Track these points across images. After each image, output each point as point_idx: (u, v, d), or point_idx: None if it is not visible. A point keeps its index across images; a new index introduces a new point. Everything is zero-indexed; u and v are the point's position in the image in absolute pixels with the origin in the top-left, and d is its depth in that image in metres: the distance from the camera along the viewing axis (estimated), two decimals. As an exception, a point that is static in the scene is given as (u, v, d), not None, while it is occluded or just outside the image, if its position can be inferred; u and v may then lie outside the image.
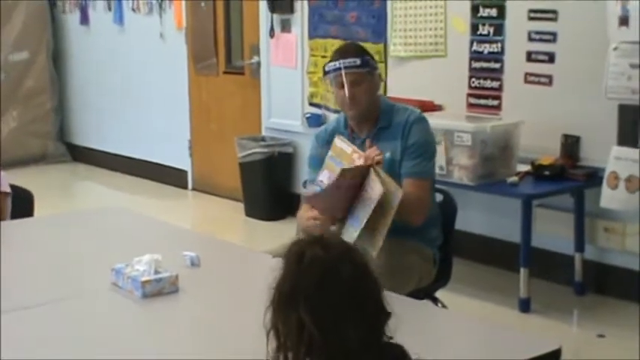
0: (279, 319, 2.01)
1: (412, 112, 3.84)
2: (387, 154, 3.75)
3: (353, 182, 3.58)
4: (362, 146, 3.77)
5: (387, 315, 2.04)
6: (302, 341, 1.97)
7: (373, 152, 3.61)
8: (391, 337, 2.05)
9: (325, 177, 3.72)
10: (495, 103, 5.79)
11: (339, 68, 3.77)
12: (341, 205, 3.60)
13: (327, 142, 3.89)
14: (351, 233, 3.50)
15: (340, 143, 3.74)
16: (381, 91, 6.39)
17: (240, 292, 3.19)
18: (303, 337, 1.96)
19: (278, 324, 2.01)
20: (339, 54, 3.84)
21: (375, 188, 3.49)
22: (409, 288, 3.66)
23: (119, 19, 9.03)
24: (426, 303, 3.74)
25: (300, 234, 3.72)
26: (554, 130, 5.42)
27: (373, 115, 3.83)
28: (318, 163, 3.88)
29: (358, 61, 3.77)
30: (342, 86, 3.77)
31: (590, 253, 5.46)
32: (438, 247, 3.91)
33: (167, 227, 4.31)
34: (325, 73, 3.87)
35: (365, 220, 3.48)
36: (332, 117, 3.95)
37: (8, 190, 4.42)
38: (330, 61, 3.85)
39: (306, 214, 3.69)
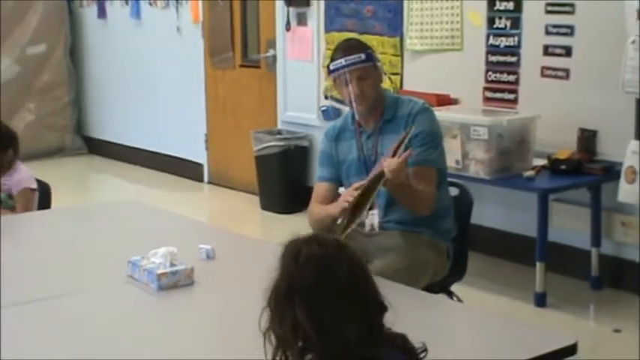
0: (276, 319, 2.04)
1: (416, 103, 3.83)
2: None
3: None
4: (368, 140, 3.81)
5: (383, 308, 2.06)
6: (297, 339, 2.00)
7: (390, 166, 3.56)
8: (389, 328, 2.07)
9: None
10: (512, 96, 5.77)
11: (345, 66, 3.76)
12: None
13: (335, 139, 3.90)
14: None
15: None
16: (393, 85, 6.41)
17: (255, 285, 3.17)
18: (298, 335, 1.99)
19: (275, 324, 2.04)
20: (342, 51, 3.82)
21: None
22: (424, 282, 3.66)
23: (136, 13, 9.05)
24: (442, 297, 3.75)
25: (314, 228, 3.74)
26: (571, 124, 5.40)
27: (378, 108, 3.83)
28: (327, 159, 3.90)
29: (363, 56, 3.78)
30: (347, 84, 3.77)
31: (606, 248, 5.44)
32: (451, 239, 3.90)
33: (183, 220, 4.31)
34: (330, 72, 3.86)
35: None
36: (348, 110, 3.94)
37: (34, 186, 4.47)
38: (333, 59, 3.83)
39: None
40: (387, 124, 3.81)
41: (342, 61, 3.77)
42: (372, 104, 3.80)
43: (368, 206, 3.53)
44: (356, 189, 3.56)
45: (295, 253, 2.04)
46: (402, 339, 2.08)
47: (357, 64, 3.75)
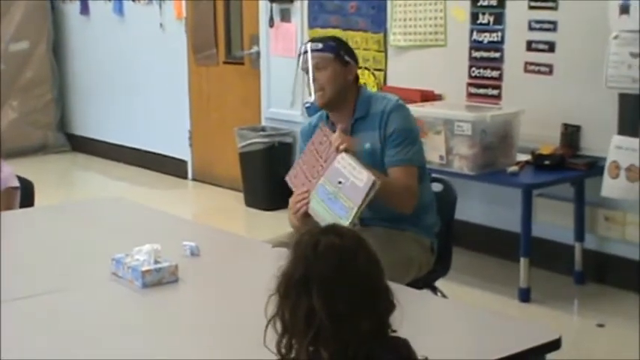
0: (287, 306, 2.00)
1: (389, 100, 3.82)
2: (367, 145, 3.76)
3: (321, 150, 3.65)
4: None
5: (393, 306, 2.04)
6: (310, 328, 1.96)
7: (336, 141, 3.61)
8: (395, 331, 2.06)
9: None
10: (495, 92, 5.78)
11: (303, 52, 3.89)
12: (310, 177, 3.65)
13: (310, 136, 3.90)
14: (329, 216, 3.47)
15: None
16: (377, 80, 6.41)
17: (239, 281, 3.19)
18: (313, 324, 1.96)
19: (285, 311, 2.01)
20: (310, 40, 3.98)
21: (359, 176, 3.47)
22: (409, 278, 3.67)
23: (119, 9, 9.03)
24: (426, 292, 3.75)
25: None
26: (555, 120, 5.42)
27: (349, 105, 3.83)
28: None
29: (320, 45, 3.85)
30: (307, 71, 3.86)
31: (590, 243, 5.46)
32: (435, 234, 3.90)
33: (167, 217, 4.30)
34: (298, 56, 3.97)
35: (356, 209, 3.44)
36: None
37: (16, 184, 4.45)
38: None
39: (293, 200, 3.69)
40: (360, 121, 3.81)
41: (302, 47, 3.93)
42: (333, 98, 3.81)
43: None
44: (303, 193, 3.58)
45: (314, 243, 2.01)
46: (407, 348, 2.06)
47: (312, 52, 3.84)
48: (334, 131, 3.79)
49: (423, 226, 3.84)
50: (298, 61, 3.96)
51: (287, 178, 3.81)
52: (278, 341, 2.02)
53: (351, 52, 3.95)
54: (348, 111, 3.83)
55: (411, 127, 3.82)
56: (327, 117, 3.90)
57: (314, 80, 3.81)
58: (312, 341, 1.97)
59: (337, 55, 3.84)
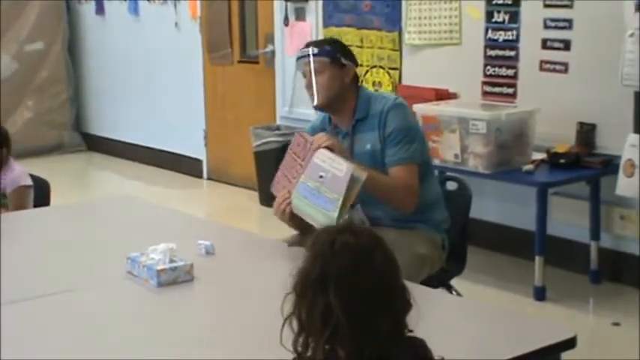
0: (304, 305, 2.00)
1: (388, 99, 3.81)
2: (368, 146, 3.74)
3: (298, 151, 3.64)
4: (344, 140, 3.79)
5: (410, 306, 2.04)
6: (327, 327, 1.96)
7: (320, 139, 3.59)
8: (411, 330, 2.05)
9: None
10: (510, 91, 5.77)
11: (299, 57, 3.90)
12: (290, 177, 3.63)
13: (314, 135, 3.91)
14: (329, 216, 3.39)
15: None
16: (392, 79, 6.40)
17: (254, 280, 3.19)
18: (330, 323, 1.96)
19: (301, 310, 2.01)
20: (306, 44, 3.94)
21: (339, 167, 3.43)
22: (422, 276, 3.67)
23: (134, 9, 9.05)
24: (441, 291, 3.75)
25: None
26: (570, 118, 5.40)
27: (349, 107, 3.82)
28: None
29: (316, 50, 3.83)
30: (304, 74, 3.87)
31: (605, 241, 5.45)
32: (445, 230, 3.89)
33: (182, 216, 4.32)
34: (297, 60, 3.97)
35: (341, 199, 3.36)
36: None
37: (29, 182, 4.46)
38: None
39: (276, 203, 3.66)
40: (360, 122, 3.80)
41: (299, 53, 3.92)
42: (330, 101, 3.81)
43: (347, 209, 3.46)
44: (284, 195, 3.57)
45: (331, 241, 2.01)
46: (423, 348, 2.06)
47: (306, 57, 3.84)
48: (337, 133, 3.81)
49: (432, 223, 3.83)
50: (296, 65, 3.99)
51: (271, 189, 3.75)
52: (294, 340, 2.02)
53: (348, 54, 3.92)
54: (349, 112, 3.82)
55: (410, 125, 3.79)
56: (330, 119, 3.90)
57: (312, 84, 3.80)
58: (329, 340, 1.97)
59: (334, 58, 3.82)
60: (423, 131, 5.42)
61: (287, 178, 3.65)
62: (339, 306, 1.95)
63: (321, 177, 3.45)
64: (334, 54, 3.83)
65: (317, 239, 2.05)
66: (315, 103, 3.84)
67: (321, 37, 7.02)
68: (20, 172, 4.48)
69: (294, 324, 2.03)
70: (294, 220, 3.57)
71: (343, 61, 3.84)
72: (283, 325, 2.04)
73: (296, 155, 3.66)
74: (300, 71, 3.95)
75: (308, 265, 2.02)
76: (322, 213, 3.40)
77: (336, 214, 3.36)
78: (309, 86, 3.82)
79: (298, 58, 3.91)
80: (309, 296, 2.00)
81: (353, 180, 3.38)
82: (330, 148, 3.52)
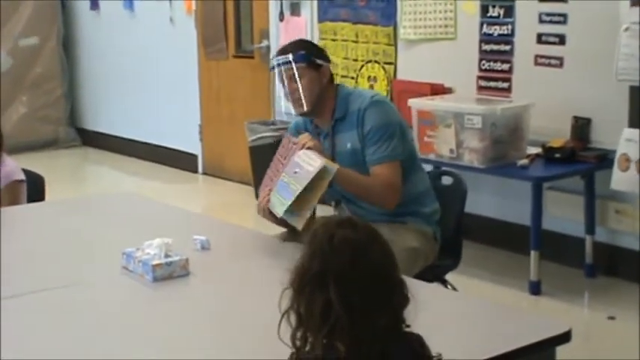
0: (302, 300, 2.00)
1: (365, 97, 3.77)
2: (348, 145, 3.73)
3: (284, 153, 3.65)
4: (325, 140, 3.77)
5: (407, 300, 2.04)
6: (326, 322, 1.96)
7: (305, 139, 3.58)
8: (409, 325, 2.06)
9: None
10: (505, 85, 5.77)
11: (274, 66, 3.81)
12: (275, 174, 3.64)
13: (297, 135, 3.86)
14: (279, 205, 3.44)
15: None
16: (387, 74, 6.41)
17: (250, 275, 3.20)
18: (329, 319, 1.96)
19: (300, 305, 2.00)
20: (279, 51, 3.85)
21: (313, 163, 3.43)
22: (416, 269, 3.68)
23: (129, 4, 9.04)
24: (436, 286, 3.75)
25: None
26: (565, 113, 5.41)
27: (329, 107, 3.79)
28: None
29: (290, 57, 3.75)
30: (283, 82, 3.80)
31: (600, 236, 5.46)
32: (436, 222, 3.88)
33: (177, 211, 4.32)
34: (271, 70, 3.92)
35: (299, 190, 3.38)
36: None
37: (22, 177, 4.45)
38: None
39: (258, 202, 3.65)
40: (340, 122, 3.78)
41: (273, 61, 3.83)
42: (314, 105, 3.77)
43: (316, 201, 3.46)
44: (265, 193, 3.56)
45: (329, 236, 2.00)
46: (420, 343, 2.06)
47: (281, 65, 3.77)
48: (318, 133, 3.81)
49: (422, 215, 3.82)
50: (271, 74, 3.94)
51: (259, 191, 3.75)
52: (293, 334, 2.02)
53: (321, 53, 3.88)
54: (329, 112, 3.80)
55: (388, 121, 3.74)
56: (311, 120, 3.88)
57: (293, 92, 3.75)
58: (328, 335, 1.97)
59: (309, 61, 3.77)
60: (418, 126, 5.48)
61: (271, 179, 3.64)
62: (338, 301, 1.95)
63: (295, 172, 3.46)
64: (309, 57, 3.79)
65: (315, 234, 2.04)
66: (300, 110, 3.79)
67: (316, 32, 7.03)
68: (13, 166, 4.46)
69: (293, 319, 2.02)
70: (273, 216, 3.56)
71: (318, 62, 3.81)
72: (281, 320, 2.04)
73: (281, 157, 3.66)
74: (278, 80, 3.86)
75: (306, 261, 2.02)
76: (281, 202, 3.43)
77: (288, 203, 3.38)
78: (292, 92, 3.76)
79: (273, 68, 3.84)
80: (308, 292, 1.99)
81: (322, 172, 3.38)
82: (312, 149, 3.52)
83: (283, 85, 3.81)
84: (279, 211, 3.43)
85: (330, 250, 2.00)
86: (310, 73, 3.77)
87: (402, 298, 2.03)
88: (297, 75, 3.75)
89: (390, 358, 1.99)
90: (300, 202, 3.40)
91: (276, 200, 3.49)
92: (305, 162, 3.46)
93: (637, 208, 5.23)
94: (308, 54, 3.80)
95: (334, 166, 3.44)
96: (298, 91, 3.75)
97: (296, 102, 3.78)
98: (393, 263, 2.06)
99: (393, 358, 2.00)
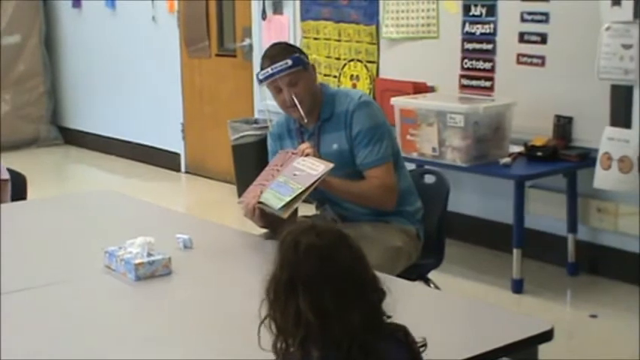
0: (278, 309, 2.03)
1: (352, 98, 3.75)
2: (335, 146, 3.72)
3: (278, 162, 3.65)
4: (310, 140, 3.76)
5: (383, 294, 2.06)
6: (299, 329, 1.99)
7: (304, 146, 3.59)
8: (390, 317, 2.07)
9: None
10: (488, 84, 5.78)
11: (272, 74, 3.70)
12: (267, 179, 3.62)
13: (279, 138, 3.89)
14: (274, 199, 3.44)
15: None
16: (369, 73, 6.41)
17: (233, 274, 3.19)
18: (301, 325, 1.98)
19: (276, 313, 2.03)
20: (269, 59, 3.73)
21: (316, 167, 3.46)
22: (400, 268, 3.68)
23: (111, 2, 9.01)
24: (419, 284, 3.76)
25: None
26: (547, 111, 5.42)
27: (316, 107, 3.77)
28: None
29: (289, 62, 3.69)
30: (280, 90, 3.72)
31: (583, 234, 5.47)
32: (419, 220, 3.89)
33: (160, 210, 4.31)
34: (260, 81, 3.78)
35: (302, 189, 3.40)
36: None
37: (7, 176, 4.44)
38: (262, 68, 3.75)
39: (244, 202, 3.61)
40: (326, 122, 3.76)
41: (269, 70, 3.71)
42: (310, 107, 3.74)
43: (300, 200, 3.45)
44: (257, 192, 3.54)
45: (294, 244, 2.03)
46: (404, 332, 2.08)
47: (283, 71, 3.68)
48: (302, 132, 3.80)
49: (405, 214, 3.83)
50: (260, 83, 3.80)
51: (240, 200, 3.70)
52: (274, 343, 2.05)
53: (305, 54, 3.86)
54: (315, 113, 3.77)
55: (377, 123, 3.75)
56: (294, 119, 3.84)
57: (292, 98, 3.68)
58: (302, 341, 2.00)
59: (304, 64, 3.74)
60: (401, 125, 5.48)
61: (260, 186, 3.61)
62: (308, 308, 1.98)
63: (295, 175, 3.48)
64: (302, 59, 3.76)
65: (282, 242, 2.07)
66: (300, 115, 3.72)
67: (299, 30, 7.02)
68: None
69: (272, 327, 2.04)
70: (263, 218, 3.54)
71: (309, 64, 3.80)
72: (259, 330, 2.06)
73: (275, 166, 3.64)
74: (272, 89, 3.76)
75: (277, 269, 2.05)
76: (276, 197, 3.44)
77: (287, 199, 3.39)
78: (297, 97, 3.68)
79: (266, 78, 3.73)
80: (282, 300, 2.02)
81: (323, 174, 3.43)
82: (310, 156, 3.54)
83: (279, 92, 3.73)
84: (275, 204, 3.41)
85: (295, 258, 2.02)
86: (306, 77, 3.74)
87: (377, 293, 2.05)
88: (297, 79, 3.69)
89: (375, 351, 2.01)
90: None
91: (270, 195, 3.48)
92: (306, 167, 3.49)
93: (618, 206, 5.25)
94: (300, 57, 3.77)
95: (328, 165, 3.47)
96: (300, 95, 3.69)
97: (297, 107, 3.69)
98: (363, 262, 2.07)
99: (378, 351, 2.01)
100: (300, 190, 3.41)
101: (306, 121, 3.75)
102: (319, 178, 3.44)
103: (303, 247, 2.02)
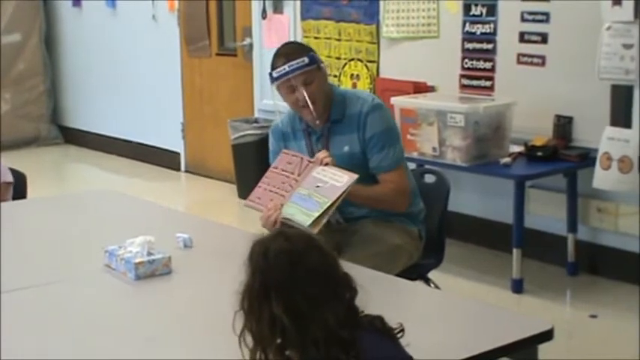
0: (253, 319, 2.05)
1: (365, 101, 3.72)
2: (346, 148, 3.70)
3: (290, 168, 3.58)
4: (318, 142, 3.74)
5: (355, 291, 2.08)
6: (275, 334, 2.01)
7: (322, 154, 3.55)
8: (363, 311, 2.09)
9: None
10: (488, 84, 5.78)
11: (290, 72, 3.63)
12: (282, 192, 3.57)
13: (283, 139, 3.84)
14: (302, 215, 3.40)
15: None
16: (370, 72, 6.41)
17: (232, 273, 3.18)
18: (276, 330, 2.01)
19: (252, 324, 2.05)
20: (285, 57, 3.66)
21: (339, 179, 3.43)
22: (400, 267, 3.68)
23: (111, 1, 9.01)
24: (419, 284, 3.75)
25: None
26: (547, 111, 5.42)
27: (326, 108, 3.72)
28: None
29: (306, 60, 3.64)
30: (293, 90, 3.66)
31: (582, 234, 5.47)
32: (421, 221, 3.89)
33: (160, 209, 4.31)
34: (274, 79, 3.69)
35: (329, 203, 3.37)
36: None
37: (10, 179, 4.44)
38: (275, 66, 3.68)
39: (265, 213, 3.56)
40: (336, 124, 3.73)
41: (285, 68, 3.64)
42: (322, 107, 3.69)
43: (329, 214, 3.43)
44: (274, 204, 3.50)
45: (264, 251, 2.06)
46: (380, 321, 2.11)
47: (301, 69, 3.63)
48: (310, 133, 3.76)
49: (408, 214, 3.82)
50: (273, 82, 3.70)
51: (247, 203, 3.68)
52: (252, 354, 2.06)
53: (318, 56, 3.80)
54: (325, 113, 3.73)
55: (390, 126, 3.75)
56: (301, 119, 3.79)
57: (307, 97, 3.62)
58: (281, 346, 2.02)
59: (319, 64, 3.71)
60: (401, 124, 5.48)
61: (276, 193, 3.58)
62: (283, 312, 2.00)
63: (317, 187, 3.45)
64: (318, 59, 3.72)
65: (251, 252, 2.10)
66: (314, 117, 3.67)
67: (299, 30, 7.02)
68: (3, 168, 4.45)
69: (249, 339, 2.07)
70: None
71: (322, 64, 3.75)
72: (240, 343, 2.08)
73: (286, 172, 3.61)
74: (285, 88, 3.68)
75: (249, 279, 2.07)
76: (303, 212, 3.40)
77: (316, 215, 3.36)
78: (310, 97, 3.61)
79: (283, 75, 3.64)
80: (255, 308, 2.05)
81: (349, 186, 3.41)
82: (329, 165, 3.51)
83: (292, 92, 3.67)
84: (303, 221, 3.37)
85: (265, 265, 2.05)
86: (320, 75, 3.71)
87: (349, 292, 2.08)
88: (312, 78, 3.65)
89: (355, 346, 2.02)
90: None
91: (295, 210, 3.44)
92: (328, 177, 3.46)
93: (618, 206, 5.25)
94: (315, 55, 3.72)
95: (353, 177, 3.44)
96: (313, 95, 3.64)
97: (309, 107, 3.64)
98: (334, 263, 2.10)
99: (358, 344, 2.03)
100: (328, 205, 3.38)
101: (317, 122, 3.71)
102: (345, 190, 3.40)
103: (272, 252, 2.05)
